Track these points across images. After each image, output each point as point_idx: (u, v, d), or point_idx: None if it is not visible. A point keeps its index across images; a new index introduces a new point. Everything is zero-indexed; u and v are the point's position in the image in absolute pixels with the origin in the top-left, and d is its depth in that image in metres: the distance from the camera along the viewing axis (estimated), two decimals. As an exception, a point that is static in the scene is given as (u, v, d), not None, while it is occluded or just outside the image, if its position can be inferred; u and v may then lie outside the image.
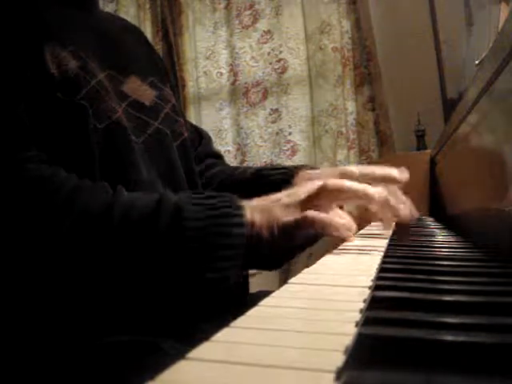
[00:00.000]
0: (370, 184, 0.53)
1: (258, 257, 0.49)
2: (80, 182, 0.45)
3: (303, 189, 0.52)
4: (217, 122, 2.29)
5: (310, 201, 0.50)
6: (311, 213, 0.47)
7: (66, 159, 0.50)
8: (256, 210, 0.48)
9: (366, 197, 0.51)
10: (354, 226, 0.52)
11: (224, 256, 0.43)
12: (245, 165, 2.23)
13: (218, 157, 0.86)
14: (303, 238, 0.49)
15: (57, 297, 0.44)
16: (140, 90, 0.64)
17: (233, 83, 2.27)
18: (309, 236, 0.49)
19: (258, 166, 0.80)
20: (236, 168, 0.80)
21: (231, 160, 2.26)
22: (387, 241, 0.57)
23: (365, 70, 2.10)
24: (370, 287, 0.29)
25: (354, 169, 0.61)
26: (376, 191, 0.51)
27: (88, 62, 0.56)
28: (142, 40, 0.77)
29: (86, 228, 0.42)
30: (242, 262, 0.45)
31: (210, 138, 0.87)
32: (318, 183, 0.51)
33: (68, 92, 0.51)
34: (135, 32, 0.77)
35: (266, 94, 2.24)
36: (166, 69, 0.79)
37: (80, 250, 0.42)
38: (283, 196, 0.51)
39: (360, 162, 2.08)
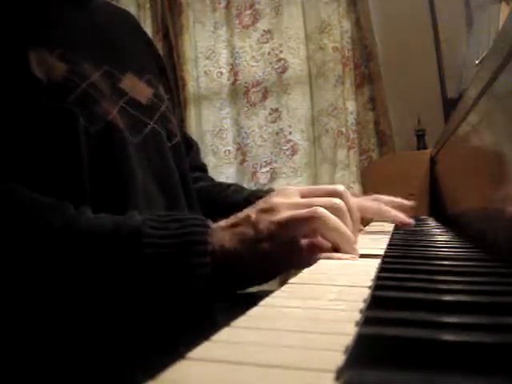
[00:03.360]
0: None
1: (236, 278, 0.45)
2: (39, 197, 0.44)
3: (284, 206, 0.44)
4: (217, 122, 2.29)
5: (293, 225, 0.43)
6: (297, 241, 0.43)
7: (52, 164, 0.49)
8: (225, 233, 0.43)
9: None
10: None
11: (185, 285, 0.41)
12: (245, 165, 2.23)
13: (204, 169, 0.85)
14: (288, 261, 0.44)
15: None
16: (137, 87, 0.63)
17: (233, 83, 2.27)
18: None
19: (243, 188, 0.77)
20: (221, 186, 0.79)
21: (231, 160, 2.26)
22: (387, 240, 0.57)
23: (365, 70, 2.10)
24: (369, 287, 0.29)
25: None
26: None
27: (79, 63, 0.55)
28: (139, 33, 0.76)
29: (42, 242, 0.41)
30: (209, 288, 0.41)
31: (198, 148, 0.86)
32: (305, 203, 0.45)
33: (56, 97, 0.51)
34: (132, 24, 0.76)
35: (266, 94, 2.24)
36: (164, 65, 0.78)
37: (31, 259, 0.41)
38: (257, 214, 0.44)
39: (360, 162, 2.08)
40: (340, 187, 0.47)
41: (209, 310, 0.52)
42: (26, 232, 0.41)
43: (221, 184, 0.83)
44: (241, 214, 0.45)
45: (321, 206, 0.43)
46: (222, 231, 0.44)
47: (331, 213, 0.43)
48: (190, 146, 0.83)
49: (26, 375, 0.43)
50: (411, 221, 0.69)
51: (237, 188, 0.79)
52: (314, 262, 0.41)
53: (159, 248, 0.41)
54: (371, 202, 0.69)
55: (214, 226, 0.44)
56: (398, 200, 0.77)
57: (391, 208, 0.70)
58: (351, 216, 0.46)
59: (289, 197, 0.46)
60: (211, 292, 0.42)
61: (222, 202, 0.75)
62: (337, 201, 0.45)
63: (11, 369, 0.44)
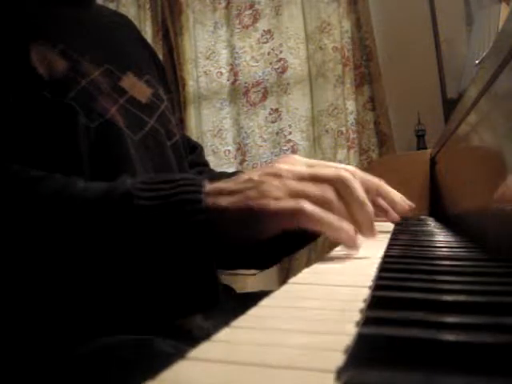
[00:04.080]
0: None
1: (233, 241, 0.42)
2: (31, 171, 0.43)
3: (290, 171, 0.42)
4: (217, 122, 2.29)
5: (302, 191, 0.41)
6: (306, 207, 0.39)
7: (51, 159, 0.49)
8: (223, 192, 0.41)
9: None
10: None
11: (180, 244, 0.39)
12: (245, 165, 2.23)
13: (206, 166, 0.84)
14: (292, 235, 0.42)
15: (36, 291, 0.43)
16: (136, 86, 0.63)
17: (233, 83, 2.27)
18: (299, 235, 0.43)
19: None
20: (218, 173, 0.78)
21: (231, 160, 2.26)
22: (387, 240, 0.57)
23: (365, 69, 2.10)
24: (370, 287, 0.29)
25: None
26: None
27: (80, 60, 0.55)
28: (137, 36, 0.77)
29: (33, 209, 0.40)
30: (205, 248, 0.40)
31: (202, 150, 0.85)
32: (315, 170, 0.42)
33: (56, 93, 0.51)
34: (130, 27, 0.76)
35: (266, 94, 2.24)
36: (163, 67, 0.78)
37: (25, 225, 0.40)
38: (261, 175, 0.42)
39: (360, 162, 2.08)
40: (345, 174, 0.43)
41: (208, 310, 0.52)
42: (15, 200, 0.41)
43: (221, 174, 0.81)
44: (243, 175, 0.43)
45: (327, 179, 0.41)
46: (221, 190, 0.42)
47: (338, 188, 0.41)
48: (194, 148, 0.83)
49: (23, 373, 0.43)
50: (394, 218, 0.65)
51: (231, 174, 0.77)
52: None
53: (151, 211, 0.39)
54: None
55: (212, 185, 0.42)
56: (400, 198, 0.72)
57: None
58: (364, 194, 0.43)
59: (294, 165, 0.44)
60: (210, 252, 0.40)
61: None
62: (344, 174, 0.42)
63: (8, 363, 0.44)
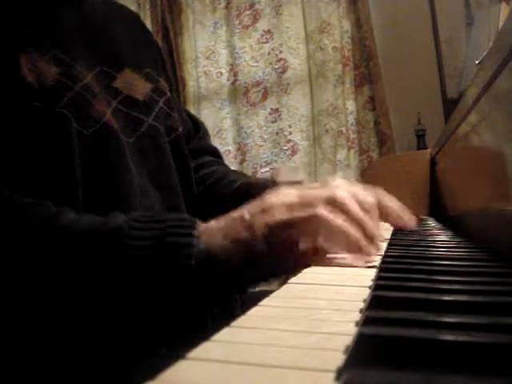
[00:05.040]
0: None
1: (225, 282, 0.42)
2: (23, 199, 0.43)
3: (280, 209, 0.42)
4: (217, 122, 2.29)
5: (290, 228, 0.41)
6: (292, 243, 0.40)
7: (44, 168, 0.49)
8: (215, 233, 0.41)
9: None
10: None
11: (168, 286, 0.39)
12: (245, 165, 2.23)
13: (216, 155, 0.81)
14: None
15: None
16: (134, 84, 0.62)
17: (233, 83, 2.27)
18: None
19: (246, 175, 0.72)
20: (221, 174, 0.75)
21: (231, 160, 2.26)
22: (387, 241, 0.57)
23: (365, 69, 2.10)
24: (370, 287, 0.29)
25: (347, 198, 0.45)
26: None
27: (72, 64, 0.54)
28: (137, 24, 0.74)
29: (20, 239, 0.40)
30: (196, 292, 0.40)
31: (206, 131, 0.83)
32: (310, 208, 0.42)
33: (47, 101, 0.50)
34: (129, 16, 0.74)
35: (266, 94, 2.24)
36: (162, 57, 0.77)
37: (16, 258, 0.40)
38: (250, 214, 0.42)
39: (360, 162, 2.08)
40: (335, 193, 0.43)
41: (206, 313, 0.52)
42: (4, 226, 0.40)
43: (221, 172, 0.77)
44: (234, 214, 0.43)
45: (316, 201, 0.42)
46: (211, 232, 0.41)
47: (334, 209, 0.41)
48: (197, 130, 0.80)
49: (25, 376, 0.43)
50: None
51: (233, 178, 0.73)
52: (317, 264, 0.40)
53: (138, 251, 0.39)
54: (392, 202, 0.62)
55: (202, 226, 0.42)
56: (400, 209, 0.71)
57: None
58: (367, 214, 0.43)
59: (286, 197, 0.43)
60: (199, 297, 0.40)
61: (212, 196, 0.72)
62: (338, 194, 0.43)
63: (10, 369, 0.44)
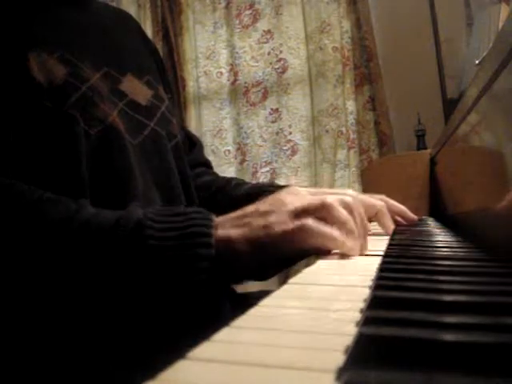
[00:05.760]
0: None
1: (243, 270, 0.44)
2: (43, 194, 0.44)
3: (294, 199, 0.45)
4: (217, 122, 2.29)
5: (305, 214, 0.43)
6: (309, 223, 0.42)
7: (52, 167, 0.49)
8: (231, 224, 0.43)
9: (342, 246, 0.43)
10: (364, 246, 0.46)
11: (189, 277, 0.40)
12: (245, 165, 2.23)
13: (208, 166, 0.84)
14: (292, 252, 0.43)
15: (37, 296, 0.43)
16: (136, 89, 0.63)
17: (233, 83, 2.27)
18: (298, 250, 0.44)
19: (248, 182, 0.75)
20: (224, 180, 0.78)
21: (231, 160, 2.26)
22: (387, 240, 0.57)
23: (365, 69, 2.10)
24: (370, 287, 0.29)
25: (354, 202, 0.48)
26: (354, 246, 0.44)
27: (79, 65, 0.55)
28: (138, 32, 0.76)
29: (43, 236, 0.40)
30: (213, 280, 0.41)
31: (201, 145, 0.85)
32: (316, 197, 0.45)
33: (56, 100, 0.50)
34: (130, 23, 0.75)
35: (266, 94, 2.24)
36: (162, 62, 0.78)
37: (36, 255, 0.40)
38: (266, 206, 0.44)
39: (360, 162, 2.08)
40: (348, 198, 0.47)
41: (210, 310, 0.52)
42: (27, 226, 0.41)
43: (223, 178, 0.82)
44: (250, 207, 0.45)
45: (332, 198, 0.45)
46: (229, 222, 0.43)
47: (323, 216, 0.44)
48: (193, 144, 0.82)
49: (25, 376, 0.43)
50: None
51: (238, 182, 0.77)
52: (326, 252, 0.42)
53: (162, 241, 0.40)
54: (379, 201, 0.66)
55: (220, 218, 0.44)
56: (403, 209, 0.75)
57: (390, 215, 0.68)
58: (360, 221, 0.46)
59: (298, 195, 0.46)
60: (216, 284, 0.42)
61: (223, 197, 0.74)
62: (347, 199, 0.46)
63: (10, 369, 0.44)
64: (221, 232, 0.42)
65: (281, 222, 0.42)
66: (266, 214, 0.43)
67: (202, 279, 0.40)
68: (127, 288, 0.40)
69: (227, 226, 0.43)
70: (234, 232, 0.42)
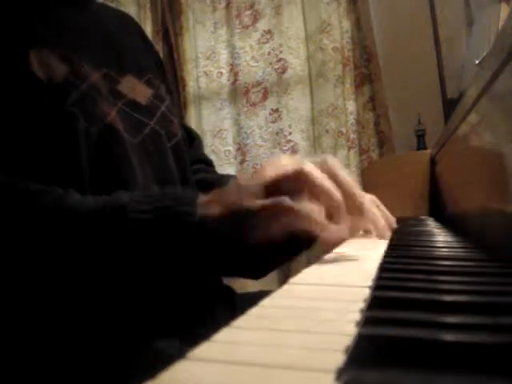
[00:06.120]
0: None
1: (225, 241, 0.44)
2: (30, 184, 0.45)
3: (268, 170, 0.44)
4: (217, 122, 2.29)
5: (278, 184, 0.42)
6: (282, 199, 0.41)
7: (52, 165, 0.50)
8: (213, 201, 0.44)
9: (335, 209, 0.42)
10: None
11: (177, 245, 0.41)
12: (245, 165, 2.23)
13: (207, 163, 0.84)
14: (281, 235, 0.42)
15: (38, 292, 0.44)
16: (136, 88, 0.63)
17: (233, 83, 2.27)
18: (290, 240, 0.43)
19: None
20: (218, 177, 0.78)
21: (231, 160, 2.26)
22: (387, 241, 0.57)
23: (365, 70, 2.10)
24: (370, 287, 0.29)
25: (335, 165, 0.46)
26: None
27: (80, 63, 0.55)
28: (138, 32, 0.76)
29: (33, 220, 0.42)
30: (201, 253, 0.42)
31: (200, 141, 0.85)
32: (290, 166, 0.43)
33: (56, 98, 0.51)
34: (130, 24, 0.76)
35: (266, 94, 2.24)
36: (162, 63, 0.78)
37: (26, 238, 0.42)
38: (242, 181, 0.45)
39: (360, 162, 2.08)
40: (309, 165, 0.44)
41: (208, 310, 0.52)
42: (14, 212, 0.42)
43: (218, 176, 0.81)
44: (230, 185, 0.45)
45: (311, 163, 0.43)
46: (210, 202, 0.44)
47: (302, 183, 0.42)
48: (191, 140, 0.82)
49: (25, 376, 0.43)
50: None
51: (232, 177, 0.76)
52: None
53: (146, 219, 0.42)
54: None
55: (203, 197, 0.45)
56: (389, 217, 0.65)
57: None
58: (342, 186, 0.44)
59: (279, 165, 0.44)
60: (204, 257, 0.43)
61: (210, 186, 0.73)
62: (329, 161, 0.45)
63: (10, 369, 0.44)
64: (203, 209, 0.43)
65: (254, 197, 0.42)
66: (246, 189, 0.43)
67: (187, 249, 0.41)
68: (118, 268, 0.42)
69: (209, 203, 0.44)
70: (215, 209, 0.43)
